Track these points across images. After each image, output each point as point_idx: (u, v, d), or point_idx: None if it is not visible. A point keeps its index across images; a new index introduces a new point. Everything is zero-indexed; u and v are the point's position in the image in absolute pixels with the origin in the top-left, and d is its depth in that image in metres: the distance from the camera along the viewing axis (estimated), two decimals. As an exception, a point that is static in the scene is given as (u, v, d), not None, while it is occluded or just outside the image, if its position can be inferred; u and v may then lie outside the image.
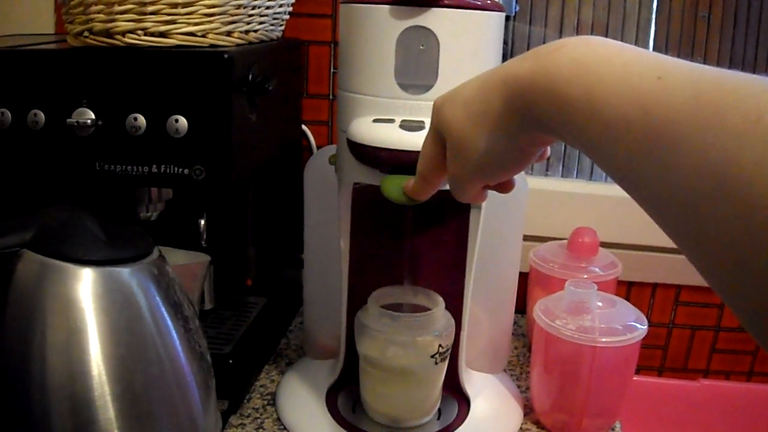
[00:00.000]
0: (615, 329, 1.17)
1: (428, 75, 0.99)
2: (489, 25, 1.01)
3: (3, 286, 0.81)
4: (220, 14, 1.09)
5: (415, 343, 1.11)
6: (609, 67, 0.57)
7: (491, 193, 0.87)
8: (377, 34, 0.99)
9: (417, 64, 0.99)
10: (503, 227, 1.26)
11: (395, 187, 0.94)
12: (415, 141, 0.92)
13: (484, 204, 1.09)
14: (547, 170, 1.79)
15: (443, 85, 0.98)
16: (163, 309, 0.86)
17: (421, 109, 1.00)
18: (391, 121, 1.00)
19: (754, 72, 1.67)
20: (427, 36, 0.98)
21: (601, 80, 0.57)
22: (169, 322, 0.86)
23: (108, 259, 0.83)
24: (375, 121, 1.00)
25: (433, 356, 1.11)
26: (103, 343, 0.80)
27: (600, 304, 1.22)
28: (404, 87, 1.00)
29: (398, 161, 0.96)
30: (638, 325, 1.19)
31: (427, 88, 1.00)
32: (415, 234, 1.23)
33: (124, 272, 0.84)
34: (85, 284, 0.81)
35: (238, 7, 1.11)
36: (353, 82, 1.04)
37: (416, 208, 0.99)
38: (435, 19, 0.97)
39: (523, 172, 1.21)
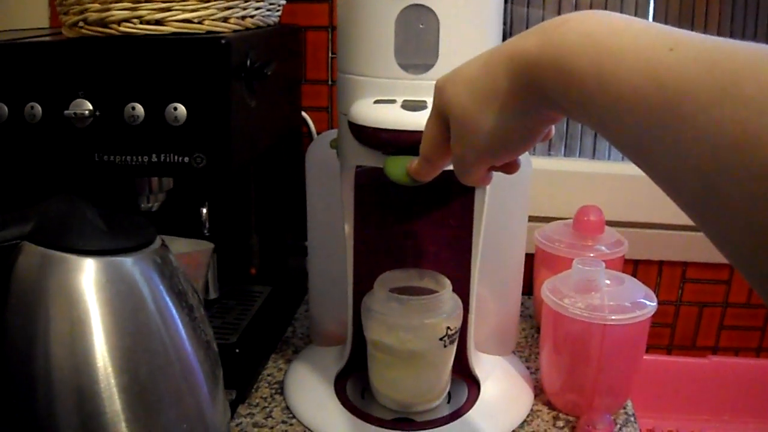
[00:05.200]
0: (624, 307, 1.16)
1: (429, 54, 0.98)
2: (488, 2, 1.00)
3: (4, 279, 0.80)
4: (215, 0, 1.08)
5: (423, 326, 1.10)
6: (618, 39, 0.56)
7: (495, 173, 0.86)
8: (376, 13, 0.98)
9: (417, 43, 0.98)
10: (508, 208, 1.25)
11: (399, 167, 0.92)
12: (417, 121, 0.92)
13: (489, 185, 1.08)
14: (549, 150, 1.78)
15: (444, 64, 0.98)
16: (167, 298, 0.84)
17: (423, 89, 0.99)
18: (393, 101, 0.99)
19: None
20: (427, 14, 0.97)
21: (611, 53, 0.56)
22: (174, 311, 0.85)
23: (110, 248, 0.82)
24: (376, 102, 1.00)
25: (441, 339, 1.11)
26: (108, 334, 0.79)
27: (608, 281, 1.22)
28: (405, 67, 0.99)
29: (401, 142, 0.95)
30: (647, 302, 1.18)
31: (428, 67, 0.99)
32: (420, 216, 1.22)
33: (127, 262, 0.82)
34: (87, 275, 0.80)
35: (234, -8, 1.10)
36: (353, 64, 1.03)
37: (421, 190, 0.98)
38: (434, -4, 0.96)
39: (527, 153, 1.20)
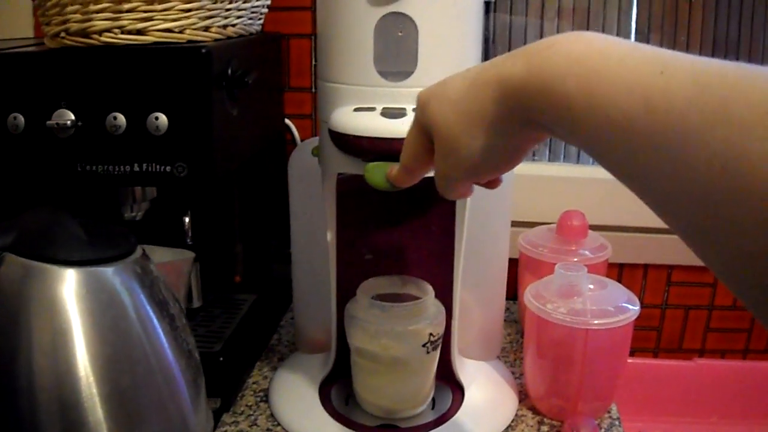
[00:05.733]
0: (607, 311, 1.17)
1: (408, 61, 0.99)
2: (467, 9, 1.01)
3: (-14, 290, 0.80)
4: (197, 9, 1.08)
5: (405, 332, 1.10)
6: (607, 62, 0.56)
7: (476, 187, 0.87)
8: (354, 21, 0.99)
9: (396, 51, 0.99)
10: (491, 213, 1.25)
11: (379, 173, 0.93)
12: (397, 128, 0.92)
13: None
14: (533, 155, 1.78)
15: (423, 71, 0.98)
16: (148, 307, 0.85)
17: (402, 96, 0.99)
18: (372, 109, 0.99)
19: (737, 52, 1.68)
20: (405, 22, 0.97)
21: (600, 76, 0.55)
22: (155, 321, 0.85)
23: (91, 259, 0.83)
24: (356, 110, 1.00)
25: (424, 345, 1.11)
26: (89, 344, 0.79)
27: (591, 286, 1.22)
28: (384, 74, 0.99)
29: (381, 149, 0.95)
30: (630, 306, 1.18)
31: (408, 74, 0.99)
32: (403, 223, 1.23)
33: (108, 272, 0.83)
34: (68, 285, 0.80)
35: (215, 1, 1.10)
36: (333, 72, 1.03)
37: (403, 197, 0.98)
38: (412, 4, 0.96)
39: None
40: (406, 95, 0.98)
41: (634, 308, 1.18)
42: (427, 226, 1.22)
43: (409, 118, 0.86)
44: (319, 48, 1.07)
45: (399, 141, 0.84)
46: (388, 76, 0.99)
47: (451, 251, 1.17)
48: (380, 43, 0.98)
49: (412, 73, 0.99)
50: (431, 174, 0.83)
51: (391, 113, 0.97)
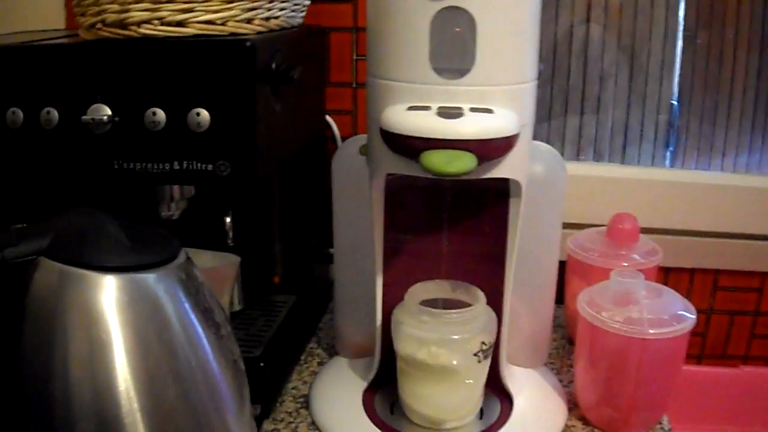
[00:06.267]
0: (663, 320, 1.13)
1: (465, 58, 0.95)
2: (527, 4, 0.97)
3: (20, 297, 0.77)
4: (239, 1, 1.05)
5: (456, 341, 1.08)
6: None
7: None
8: (409, 16, 0.95)
9: (453, 46, 0.96)
10: (543, 216, 1.22)
11: (437, 158, 0.90)
12: (454, 129, 0.90)
13: (524, 192, 1.04)
14: (579, 154, 1.74)
15: (481, 69, 0.95)
16: (192, 316, 0.81)
17: (459, 95, 0.95)
18: (427, 108, 0.95)
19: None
20: (463, 17, 0.94)
21: None
22: (200, 330, 0.82)
23: (132, 264, 0.79)
24: (410, 108, 0.96)
25: (476, 354, 1.08)
26: (130, 356, 0.76)
27: (644, 293, 1.17)
28: (440, 71, 0.96)
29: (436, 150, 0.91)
30: (687, 315, 1.14)
31: (465, 72, 0.95)
32: (452, 225, 1.19)
33: (150, 278, 0.79)
34: (108, 292, 0.77)
35: (258, -8, 1.07)
36: (385, 68, 1.00)
37: (453, 197, 0.95)
38: (471, -1, 0.93)
39: (560, 156, 1.16)
40: (462, 93, 0.95)
41: (691, 317, 1.14)
42: (478, 229, 1.19)
43: (467, 118, 0.82)
44: (370, 43, 1.03)
45: (454, 141, 0.81)
46: (444, 73, 0.96)
47: (501, 255, 1.13)
48: (436, 38, 0.95)
49: (470, 70, 0.95)
50: (485, 175, 0.79)
51: (447, 113, 0.93)
